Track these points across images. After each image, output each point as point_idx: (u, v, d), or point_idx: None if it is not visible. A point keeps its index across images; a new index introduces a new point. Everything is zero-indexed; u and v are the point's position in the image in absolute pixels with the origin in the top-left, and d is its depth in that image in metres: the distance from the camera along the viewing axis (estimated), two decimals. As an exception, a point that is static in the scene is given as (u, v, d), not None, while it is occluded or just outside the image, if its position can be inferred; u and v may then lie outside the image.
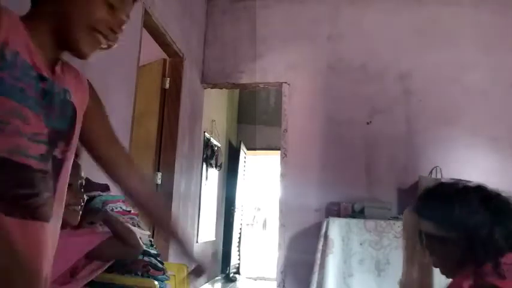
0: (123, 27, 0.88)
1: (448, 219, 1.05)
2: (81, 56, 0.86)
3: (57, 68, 0.87)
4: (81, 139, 0.95)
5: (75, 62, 0.92)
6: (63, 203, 0.90)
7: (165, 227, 1.18)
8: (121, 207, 1.88)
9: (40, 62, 0.80)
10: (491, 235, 0.99)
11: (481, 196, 1.10)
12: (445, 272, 1.08)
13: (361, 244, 2.83)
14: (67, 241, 1.16)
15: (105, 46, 0.88)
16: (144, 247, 1.98)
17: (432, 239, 1.07)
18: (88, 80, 0.99)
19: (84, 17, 0.82)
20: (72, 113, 0.88)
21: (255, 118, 6.45)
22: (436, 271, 1.12)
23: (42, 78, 0.80)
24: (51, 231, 0.84)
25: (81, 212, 1.28)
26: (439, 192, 1.18)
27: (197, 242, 4.31)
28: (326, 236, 2.88)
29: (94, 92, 1.00)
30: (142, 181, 1.09)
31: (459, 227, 1.03)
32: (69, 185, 1.15)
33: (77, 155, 1.30)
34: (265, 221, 11.61)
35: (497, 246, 0.98)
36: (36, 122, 0.78)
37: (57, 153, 0.83)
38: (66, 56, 0.89)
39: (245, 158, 6.46)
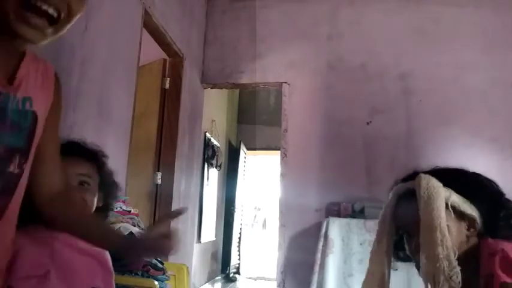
0: None
1: (477, 196, 1.02)
2: (27, 39, 0.77)
3: (20, 73, 0.80)
4: None
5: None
6: (14, 223, 0.84)
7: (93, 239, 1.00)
8: (121, 207, 1.88)
9: None
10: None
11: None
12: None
13: (361, 244, 2.83)
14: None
15: (53, 12, 0.77)
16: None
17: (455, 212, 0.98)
18: (56, 74, 0.92)
19: None
20: (30, 122, 0.81)
21: (255, 118, 6.46)
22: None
23: None
24: None
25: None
26: (463, 172, 1.13)
27: (199, 242, 4.32)
28: (326, 236, 2.88)
29: (59, 90, 0.93)
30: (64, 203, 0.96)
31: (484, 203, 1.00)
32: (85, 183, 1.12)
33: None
34: (265, 221, 11.61)
35: None
36: None
37: (12, 168, 0.78)
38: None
39: (245, 158, 6.46)
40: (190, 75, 3.45)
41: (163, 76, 3.28)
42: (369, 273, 1.10)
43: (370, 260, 1.12)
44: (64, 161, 1.09)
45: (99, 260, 1.16)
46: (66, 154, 1.11)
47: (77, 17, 0.82)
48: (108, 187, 1.22)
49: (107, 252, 1.20)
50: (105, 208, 1.23)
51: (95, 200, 1.16)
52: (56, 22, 0.78)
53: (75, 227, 0.96)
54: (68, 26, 0.82)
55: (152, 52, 3.08)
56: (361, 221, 2.89)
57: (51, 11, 0.76)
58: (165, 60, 3.29)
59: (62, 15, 0.79)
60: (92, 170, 1.16)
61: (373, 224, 2.86)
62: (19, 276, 0.97)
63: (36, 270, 1.01)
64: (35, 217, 1.07)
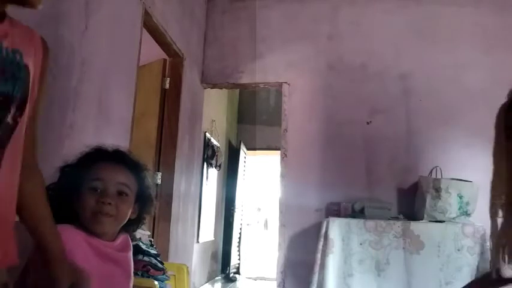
0: None
1: None
2: (28, 2, 0.77)
3: (4, 25, 0.79)
4: None
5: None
6: (16, 173, 0.83)
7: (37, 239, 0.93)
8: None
9: None
10: None
11: None
12: None
13: (361, 244, 2.83)
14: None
15: None
16: (144, 247, 1.98)
17: None
18: (43, 39, 0.91)
19: None
20: (24, 76, 0.80)
21: (255, 118, 6.46)
22: None
23: None
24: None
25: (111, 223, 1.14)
26: None
27: (198, 242, 4.32)
28: (326, 236, 2.88)
29: (46, 56, 0.91)
30: (31, 179, 0.91)
31: None
32: (94, 189, 1.10)
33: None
34: (266, 221, 11.61)
35: None
36: None
37: (9, 119, 0.77)
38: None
39: (245, 158, 6.46)
40: (190, 75, 3.45)
41: (163, 76, 3.28)
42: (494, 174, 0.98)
43: (493, 161, 0.99)
44: (106, 167, 1.11)
45: (123, 268, 1.17)
46: (110, 161, 1.14)
47: None
48: (144, 201, 1.22)
49: (130, 257, 1.20)
50: (137, 221, 1.23)
51: (129, 212, 1.16)
52: None
53: (30, 209, 0.92)
54: None
55: (152, 52, 3.08)
56: (361, 221, 2.89)
57: None
58: (165, 60, 3.29)
59: None
60: (132, 181, 1.16)
61: (373, 224, 2.87)
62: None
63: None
64: (75, 220, 1.09)
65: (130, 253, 1.22)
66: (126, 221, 1.17)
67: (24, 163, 0.87)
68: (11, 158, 0.80)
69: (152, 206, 1.27)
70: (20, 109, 0.80)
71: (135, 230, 1.28)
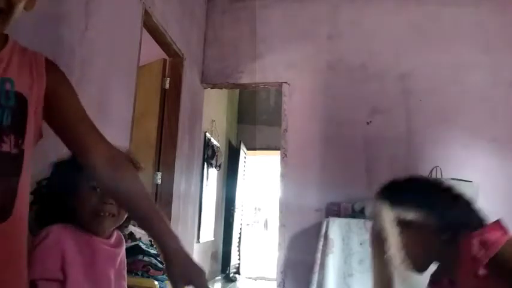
0: None
1: (429, 206, 1.09)
2: None
3: (1, 54, 0.81)
4: (49, 121, 0.90)
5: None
6: (27, 200, 0.85)
7: (156, 237, 0.94)
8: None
9: None
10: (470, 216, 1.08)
11: (453, 191, 1.14)
12: (418, 265, 1.13)
13: (361, 244, 2.83)
14: None
15: None
16: (144, 247, 1.98)
17: (410, 228, 1.09)
18: (47, 59, 0.92)
19: None
20: (15, 103, 0.81)
21: (255, 118, 6.46)
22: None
23: None
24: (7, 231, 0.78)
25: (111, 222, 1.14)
26: (415, 183, 1.22)
27: (198, 242, 4.32)
28: (326, 236, 2.88)
29: (54, 71, 0.93)
30: (127, 175, 0.95)
31: (439, 213, 1.08)
32: (94, 188, 1.10)
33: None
34: (266, 221, 11.61)
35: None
36: None
37: (7, 148, 0.78)
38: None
39: (245, 158, 6.46)
40: (190, 75, 3.45)
41: (163, 76, 3.28)
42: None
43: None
44: None
45: (119, 264, 1.18)
46: None
47: (20, 6, 0.82)
48: None
49: (124, 253, 1.22)
50: (130, 218, 1.23)
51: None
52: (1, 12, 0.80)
53: (140, 207, 0.94)
54: (15, 15, 0.82)
55: (152, 52, 3.08)
56: (361, 221, 2.89)
57: None
58: (165, 60, 3.29)
59: (4, 9, 0.80)
60: None
61: (373, 224, 2.87)
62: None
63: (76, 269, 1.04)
64: (70, 217, 1.10)
65: (124, 248, 1.23)
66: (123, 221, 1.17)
67: (105, 157, 0.92)
68: (25, 185, 0.82)
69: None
70: (21, 137, 0.81)
71: (127, 227, 1.27)
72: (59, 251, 1.03)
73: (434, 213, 1.07)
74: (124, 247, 1.23)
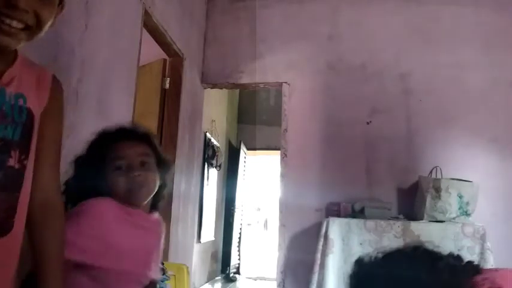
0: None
1: None
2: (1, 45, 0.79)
3: (12, 71, 0.83)
4: None
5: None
6: (25, 215, 0.85)
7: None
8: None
9: None
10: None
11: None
12: None
13: (361, 244, 2.83)
14: None
15: (18, 25, 0.78)
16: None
17: None
18: (55, 78, 0.94)
19: None
20: (26, 119, 0.83)
21: (255, 118, 6.46)
22: None
23: None
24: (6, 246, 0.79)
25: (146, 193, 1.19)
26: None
27: (199, 242, 4.32)
28: (326, 236, 2.88)
29: (57, 92, 0.94)
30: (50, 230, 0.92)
31: None
32: (118, 167, 1.14)
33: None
34: (266, 221, 11.61)
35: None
36: None
37: (13, 163, 0.79)
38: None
39: (245, 158, 6.46)
40: (190, 75, 3.44)
41: (163, 76, 3.27)
42: None
43: None
44: (122, 145, 1.16)
45: (157, 236, 1.28)
46: (122, 138, 1.19)
47: (48, 24, 0.84)
48: (164, 166, 1.28)
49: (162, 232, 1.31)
50: (163, 186, 1.28)
51: (157, 178, 1.21)
52: (29, 29, 0.81)
53: (45, 248, 0.92)
54: (42, 33, 0.84)
55: (152, 52, 3.08)
56: (361, 221, 2.89)
57: (14, 24, 0.78)
58: (165, 60, 3.29)
59: (31, 26, 0.81)
60: (149, 150, 1.22)
61: (373, 224, 2.87)
62: None
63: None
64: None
65: (163, 229, 1.31)
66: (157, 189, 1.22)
67: (47, 201, 0.91)
68: (24, 201, 0.83)
69: (172, 168, 1.33)
70: (25, 152, 0.83)
71: (164, 198, 1.33)
72: (98, 216, 1.07)
73: None
74: (163, 228, 1.31)
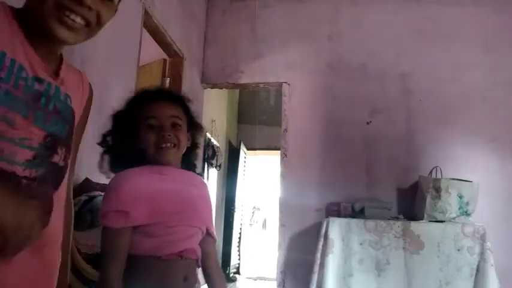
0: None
1: None
2: (60, 40, 0.79)
3: (63, 71, 0.85)
4: None
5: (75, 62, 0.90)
6: (61, 211, 0.86)
7: None
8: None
9: (37, 62, 0.77)
10: None
11: None
12: None
13: (361, 244, 2.83)
14: None
15: (81, 22, 0.79)
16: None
17: None
18: (90, 85, 0.96)
19: None
20: (71, 119, 0.85)
21: (255, 118, 6.45)
22: None
23: (38, 80, 0.77)
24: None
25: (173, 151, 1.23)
26: None
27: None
28: (326, 236, 2.88)
29: (91, 100, 0.97)
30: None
31: None
32: (150, 126, 1.20)
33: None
34: (265, 221, 11.60)
35: None
36: (24, 126, 0.73)
37: (57, 160, 0.79)
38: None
39: (245, 158, 6.46)
40: (190, 75, 3.44)
41: (163, 76, 3.27)
42: None
43: None
44: (156, 105, 1.22)
45: (197, 187, 1.30)
46: (156, 99, 1.24)
47: (107, 23, 0.86)
48: (195, 128, 1.34)
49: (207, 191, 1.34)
50: (193, 148, 1.34)
51: (186, 140, 1.26)
52: (89, 27, 0.83)
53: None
54: (94, 35, 0.86)
55: (152, 52, 3.08)
56: (361, 221, 2.89)
57: (78, 20, 0.79)
58: (165, 60, 3.29)
59: (92, 23, 0.82)
60: (181, 113, 1.27)
61: (373, 224, 2.87)
62: None
63: None
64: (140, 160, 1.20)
65: (207, 189, 1.34)
66: (185, 150, 1.27)
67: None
68: (60, 199, 0.84)
69: (202, 132, 1.39)
70: (68, 151, 0.84)
71: (195, 159, 1.37)
72: (133, 186, 1.12)
73: None
74: (206, 187, 1.35)
